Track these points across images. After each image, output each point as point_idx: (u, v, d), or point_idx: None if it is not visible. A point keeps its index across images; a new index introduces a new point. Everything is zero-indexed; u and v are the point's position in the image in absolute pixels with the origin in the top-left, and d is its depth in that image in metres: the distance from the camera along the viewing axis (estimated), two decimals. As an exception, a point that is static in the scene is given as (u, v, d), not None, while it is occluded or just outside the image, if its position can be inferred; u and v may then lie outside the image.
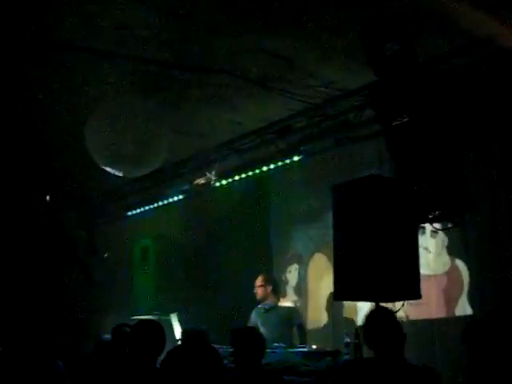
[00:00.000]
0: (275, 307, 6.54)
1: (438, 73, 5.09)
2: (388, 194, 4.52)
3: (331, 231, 4.73)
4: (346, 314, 6.94)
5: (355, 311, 6.83)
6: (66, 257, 8.82)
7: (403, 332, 3.69)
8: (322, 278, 7.22)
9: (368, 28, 4.73)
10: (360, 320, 6.63)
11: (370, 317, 4.00)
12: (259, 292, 6.60)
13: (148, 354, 3.97)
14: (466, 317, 5.77)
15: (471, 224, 5.34)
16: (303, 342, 6.15)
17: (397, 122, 4.78)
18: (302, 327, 6.45)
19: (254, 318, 6.55)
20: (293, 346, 5.81)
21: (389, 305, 4.69)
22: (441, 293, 6.12)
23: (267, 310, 6.51)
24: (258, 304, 6.62)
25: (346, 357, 4.88)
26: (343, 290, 4.54)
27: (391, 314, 4.04)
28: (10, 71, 6.06)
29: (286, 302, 6.62)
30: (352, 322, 6.78)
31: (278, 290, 6.73)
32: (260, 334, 4.49)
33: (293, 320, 6.43)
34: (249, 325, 6.59)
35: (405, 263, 4.43)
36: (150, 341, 4.02)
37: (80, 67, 6.01)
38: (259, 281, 6.63)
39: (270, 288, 6.59)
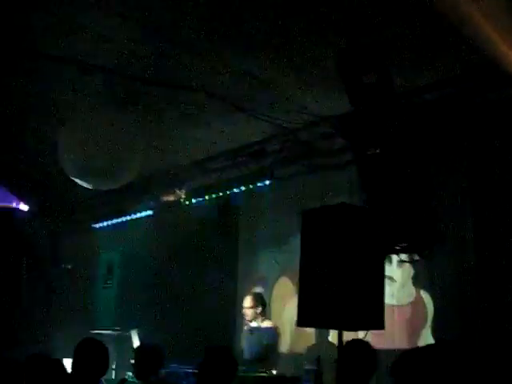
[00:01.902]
0: (258, 328, 6.44)
1: (411, 106, 5.15)
2: (357, 222, 4.52)
3: (298, 256, 4.72)
4: (309, 340, 6.92)
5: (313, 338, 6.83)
6: (23, 265, 8.61)
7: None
8: (286, 303, 7.19)
9: (346, 58, 4.78)
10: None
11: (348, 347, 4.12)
12: (248, 313, 6.47)
13: (90, 374, 3.92)
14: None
15: (437, 256, 5.39)
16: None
17: (369, 152, 4.81)
18: (270, 348, 6.25)
19: (242, 340, 6.59)
20: (257, 371, 5.74)
21: (351, 333, 4.70)
22: (404, 324, 6.14)
23: (251, 332, 6.45)
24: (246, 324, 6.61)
25: (306, 384, 4.88)
26: (307, 316, 4.51)
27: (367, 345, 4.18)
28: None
29: (267, 322, 6.54)
30: (313, 348, 6.76)
31: (265, 311, 6.64)
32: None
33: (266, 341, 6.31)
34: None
35: (370, 292, 4.42)
36: (92, 361, 3.97)
37: (56, 77, 5.97)
38: (249, 302, 6.52)
39: (259, 309, 6.49)
